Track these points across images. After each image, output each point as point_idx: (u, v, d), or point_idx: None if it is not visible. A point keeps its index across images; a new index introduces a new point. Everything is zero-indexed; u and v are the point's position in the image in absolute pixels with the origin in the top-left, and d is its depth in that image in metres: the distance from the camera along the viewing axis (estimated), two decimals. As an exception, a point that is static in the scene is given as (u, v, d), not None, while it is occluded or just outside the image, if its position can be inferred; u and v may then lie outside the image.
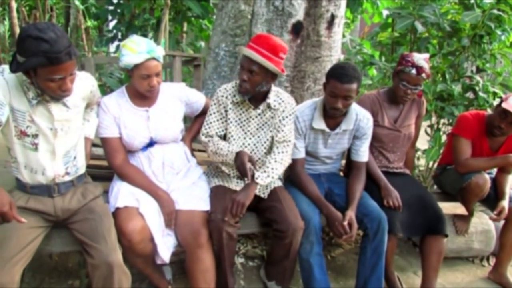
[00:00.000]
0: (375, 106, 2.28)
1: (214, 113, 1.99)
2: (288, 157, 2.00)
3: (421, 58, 2.12)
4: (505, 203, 2.31)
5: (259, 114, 2.00)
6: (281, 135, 1.98)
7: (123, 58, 1.77)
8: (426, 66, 2.12)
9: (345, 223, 1.90)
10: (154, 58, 1.78)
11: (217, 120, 1.98)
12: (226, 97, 1.97)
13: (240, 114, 1.99)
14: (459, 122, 2.42)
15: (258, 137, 2.02)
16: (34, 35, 1.35)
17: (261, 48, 1.81)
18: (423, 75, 2.12)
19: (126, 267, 1.61)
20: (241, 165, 1.85)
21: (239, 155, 1.88)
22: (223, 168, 2.05)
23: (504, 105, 2.19)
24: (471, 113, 2.43)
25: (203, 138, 1.98)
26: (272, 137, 2.02)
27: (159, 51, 1.80)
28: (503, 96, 2.33)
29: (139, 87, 1.84)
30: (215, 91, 2.07)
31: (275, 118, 2.00)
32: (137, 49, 1.74)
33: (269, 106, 1.97)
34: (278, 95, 2.00)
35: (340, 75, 1.89)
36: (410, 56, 2.15)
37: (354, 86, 1.90)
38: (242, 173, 1.87)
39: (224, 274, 1.90)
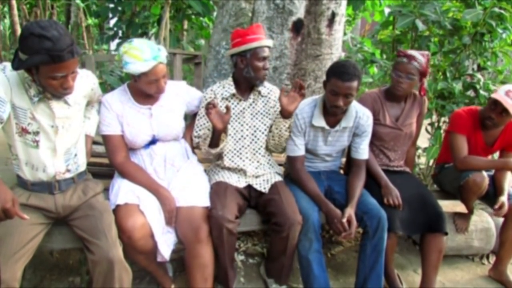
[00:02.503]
0: (377, 105, 2.28)
1: (204, 115, 2.02)
2: None
3: (415, 51, 2.17)
4: (504, 199, 2.31)
5: (251, 104, 2.06)
6: None
7: (128, 66, 1.73)
8: (419, 57, 2.15)
9: (344, 220, 1.91)
10: (160, 63, 1.77)
11: (209, 122, 1.98)
12: (215, 97, 2.01)
13: (233, 109, 2.02)
14: (452, 119, 2.43)
15: (255, 126, 2.06)
16: (36, 33, 1.35)
17: (263, 34, 1.95)
18: (415, 63, 2.14)
19: (127, 264, 1.62)
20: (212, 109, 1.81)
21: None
22: (218, 159, 2.08)
23: (494, 95, 2.21)
24: (464, 109, 2.45)
25: (196, 140, 2.02)
26: (271, 126, 2.06)
27: (163, 54, 1.78)
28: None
29: (148, 91, 1.84)
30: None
31: (269, 105, 2.08)
32: (142, 57, 1.72)
33: (260, 94, 2.06)
34: None
35: (341, 73, 1.89)
36: (405, 51, 2.20)
37: (355, 84, 1.90)
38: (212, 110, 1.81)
39: (224, 269, 1.91)
